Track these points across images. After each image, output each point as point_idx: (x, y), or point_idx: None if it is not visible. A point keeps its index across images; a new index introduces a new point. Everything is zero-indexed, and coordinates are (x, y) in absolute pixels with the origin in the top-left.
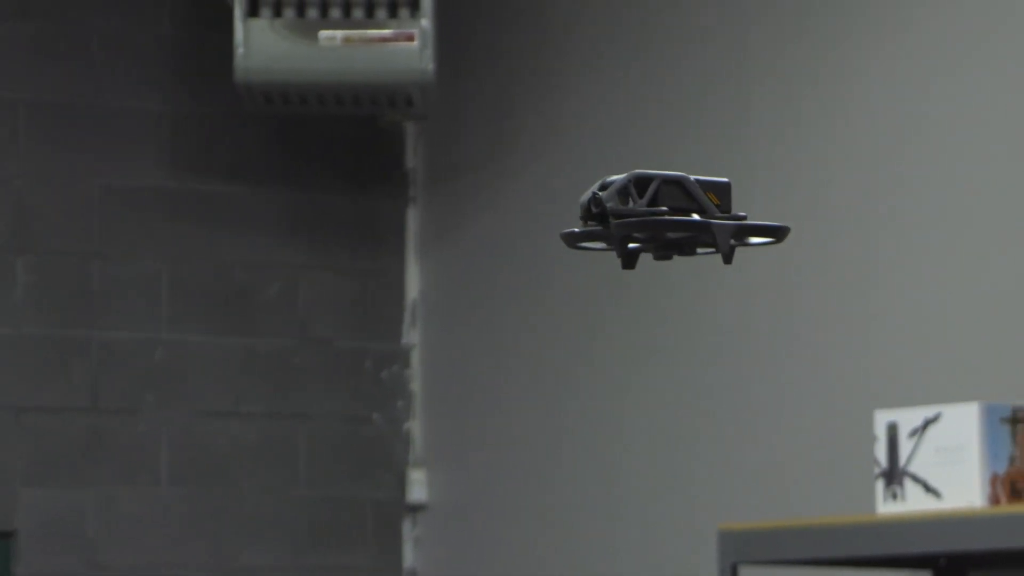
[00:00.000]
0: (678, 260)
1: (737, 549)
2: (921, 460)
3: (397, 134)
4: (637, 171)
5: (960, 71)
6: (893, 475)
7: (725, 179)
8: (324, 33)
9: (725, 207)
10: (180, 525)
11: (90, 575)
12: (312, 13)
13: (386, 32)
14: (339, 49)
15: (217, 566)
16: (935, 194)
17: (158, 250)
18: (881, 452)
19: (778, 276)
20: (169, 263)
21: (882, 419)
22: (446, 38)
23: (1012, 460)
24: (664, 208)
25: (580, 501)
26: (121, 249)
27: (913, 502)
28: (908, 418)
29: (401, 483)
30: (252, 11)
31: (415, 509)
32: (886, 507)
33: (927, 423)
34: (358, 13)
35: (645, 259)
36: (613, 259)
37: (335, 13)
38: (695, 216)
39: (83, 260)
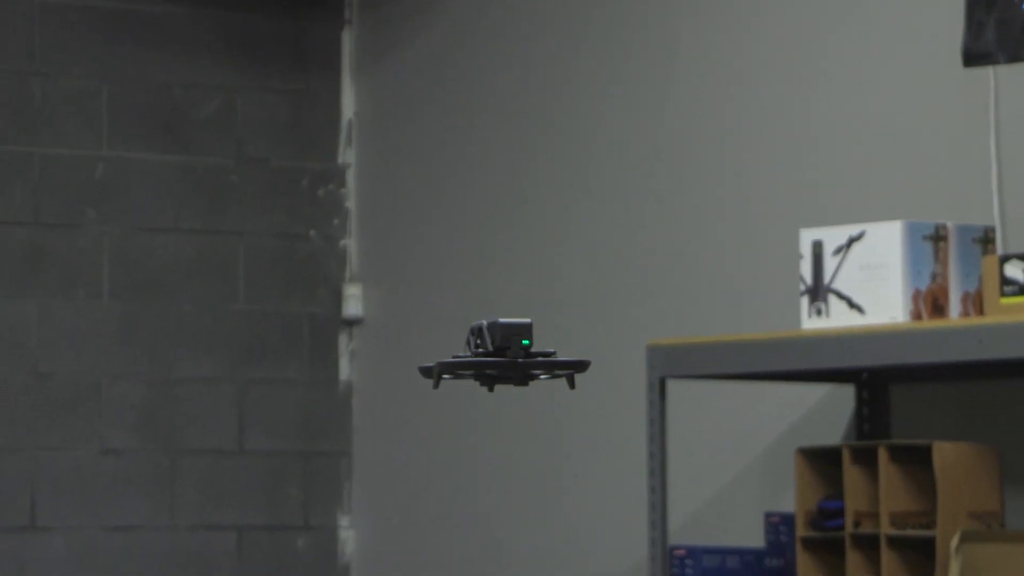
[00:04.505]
0: (613, 79)
1: (665, 364)
2: (845, 277)
3: None
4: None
5: None
6: (818, 292)
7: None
8: None
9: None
10: (120, 337)
11: (31, 383)
12: None
13: None
14: None
15: (156, 377)
16: (862, 13)
17: (97, 69)
18: (806, 269)
19: (707, 98)
20: (108, 82)
21: (807, 237)
22: None
23: (934, 277)
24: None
25: (509, 305)
26: (60, 67)
27: (837, 318)
28: (832, 236)
29: (337, 298)
30: None
31: (351, 323)
32: (811, 323)
33: (851, 241)
34: None
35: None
36: (544, 82)
37: None
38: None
39: (23, 78)
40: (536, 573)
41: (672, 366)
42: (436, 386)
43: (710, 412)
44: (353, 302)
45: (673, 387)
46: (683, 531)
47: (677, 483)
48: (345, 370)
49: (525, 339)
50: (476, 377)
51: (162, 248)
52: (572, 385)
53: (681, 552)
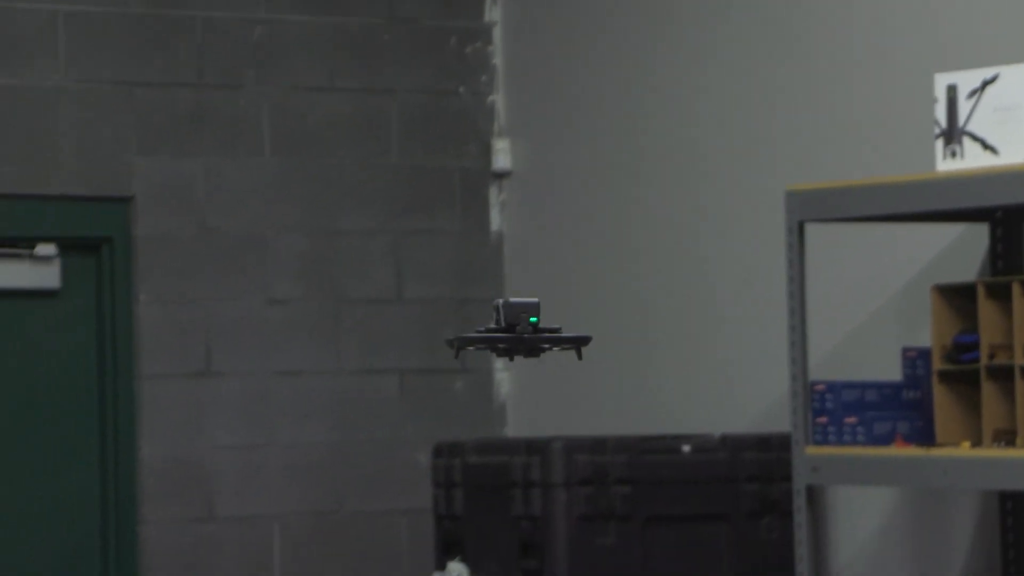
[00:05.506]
0: None
1: (803, 208)
2: (979, 119)
3: None
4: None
5: None
6: (952, 134)
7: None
8: None
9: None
10: (281, 192)
11: (200, 236)
12: None
13: None
14: None
15: (317, 229)
16: None
17: None
18: (941, 113)
19: None
20: None
21: (941, 81)
22: None
23: None
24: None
25: (655, 163)
26: None
27: (971, 159)
28: (967, 79)
29: (486, 152)
30: None
31: (500, 176)
32: (945, 164)
33: (985, 84)
34: None
35: None
36: None
37: None
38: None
39: None
40: (683, 409)
41: (810, 210)
42: (456, 356)
43: (848, 253)
44: (502, 155)
45: (811, 230)
46: (823, 367)
47: (817, 321)
48: (495, 221)
49: (533, 317)
50: (491, 349)
51: (318, 106)
52: (580, 356)
53: (821, 387)
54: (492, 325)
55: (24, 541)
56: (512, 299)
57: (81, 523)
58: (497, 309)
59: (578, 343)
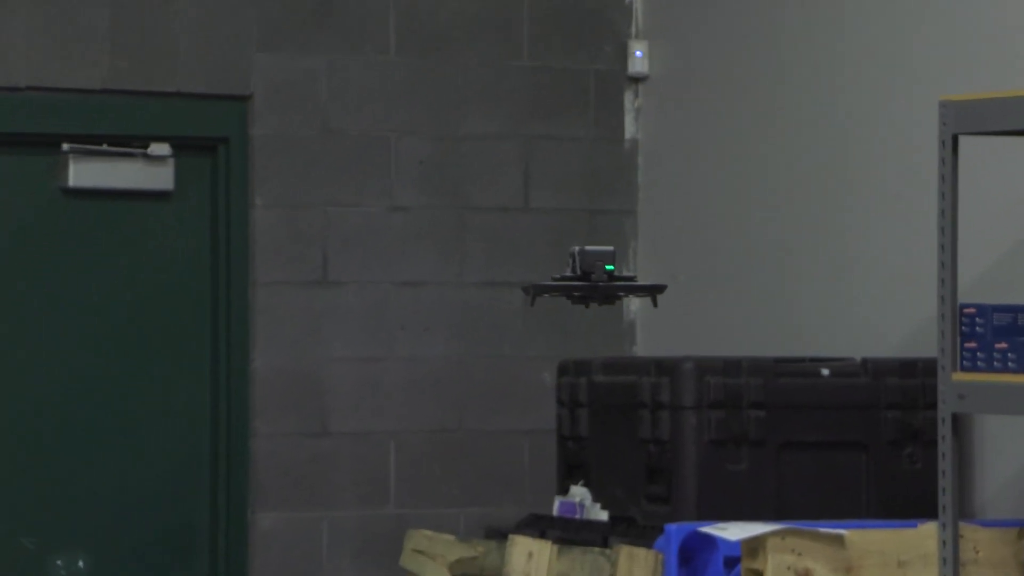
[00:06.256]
0: None
1: (958, 120)
2: None
3: None
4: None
5: None
6: None
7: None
8: None
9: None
10: (406, 92)
11: (321, 138)
12: None
13: None
14: None
15: (442, 132)
16: None
17: None
18: None
19: None
20: None
21: None
22: None
23: None
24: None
25: (799, 70)
26: None
27: None
28: None
29: (623, 55)
30: None
31: (636, 80)
32: None
33: None
34: None
35: None
36: None
37: None
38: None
39: None
40: (822, 331)
41: (965, 122)
42: (532, 304)
43: (1003, 169)
44: (639, 59)
45: (965, 143)
46: (973, 289)
47: (967, 241)
48: (630, 128)
49: (608, 265)
50: (567, 297)
51: (446, 3)
52: (655, 304)
53: (971, 310)
54: (568, 272)
55: (134, 452)
56: (588, 247)
57: (191, 434)
58: (573, 256)
59: (653, 292)
